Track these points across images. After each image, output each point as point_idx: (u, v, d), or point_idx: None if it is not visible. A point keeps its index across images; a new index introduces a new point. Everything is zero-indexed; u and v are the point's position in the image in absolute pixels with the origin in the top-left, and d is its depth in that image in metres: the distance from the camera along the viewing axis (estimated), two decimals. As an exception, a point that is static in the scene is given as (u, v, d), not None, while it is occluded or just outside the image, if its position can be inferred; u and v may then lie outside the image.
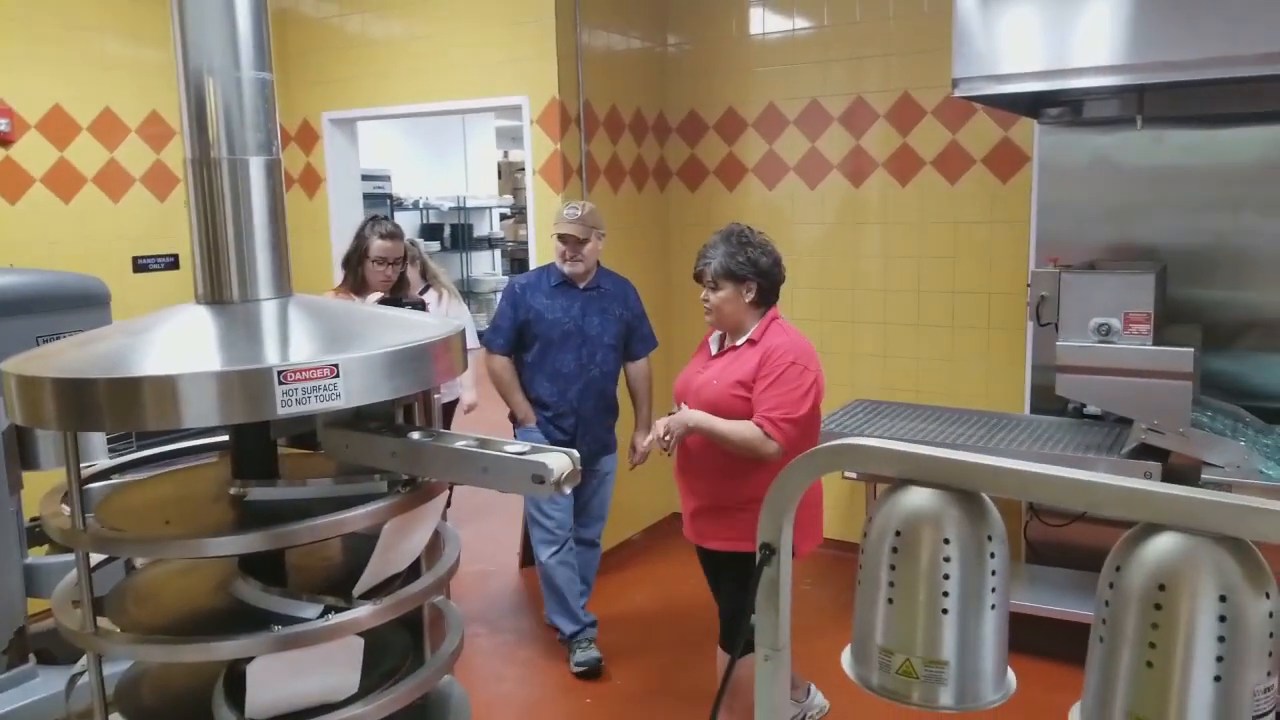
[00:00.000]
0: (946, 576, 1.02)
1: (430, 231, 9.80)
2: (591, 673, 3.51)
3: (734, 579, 2.66)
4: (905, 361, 4.45)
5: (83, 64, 4.32)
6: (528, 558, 4.66)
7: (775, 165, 4.71)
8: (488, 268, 10.92)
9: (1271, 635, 0.88)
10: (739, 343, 2.69)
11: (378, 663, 1.48)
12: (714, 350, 2.78)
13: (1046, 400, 3.79)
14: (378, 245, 3.66)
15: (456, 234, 9.94)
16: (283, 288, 1.46)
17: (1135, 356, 3.00)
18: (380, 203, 8.45)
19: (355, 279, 3.68)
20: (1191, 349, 2.98)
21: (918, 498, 1.05)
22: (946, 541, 1.01)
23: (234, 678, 1.46)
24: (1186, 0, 2.66)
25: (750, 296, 2.66)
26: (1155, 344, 3.03)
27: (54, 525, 1.32)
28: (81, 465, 2.47)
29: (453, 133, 9.85)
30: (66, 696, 1.48)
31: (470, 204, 10.00)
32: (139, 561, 1.62)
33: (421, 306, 3.66)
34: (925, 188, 4.34)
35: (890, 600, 1.06)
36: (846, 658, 1.16)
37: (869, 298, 4.52)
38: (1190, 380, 2.96)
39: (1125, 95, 3.30)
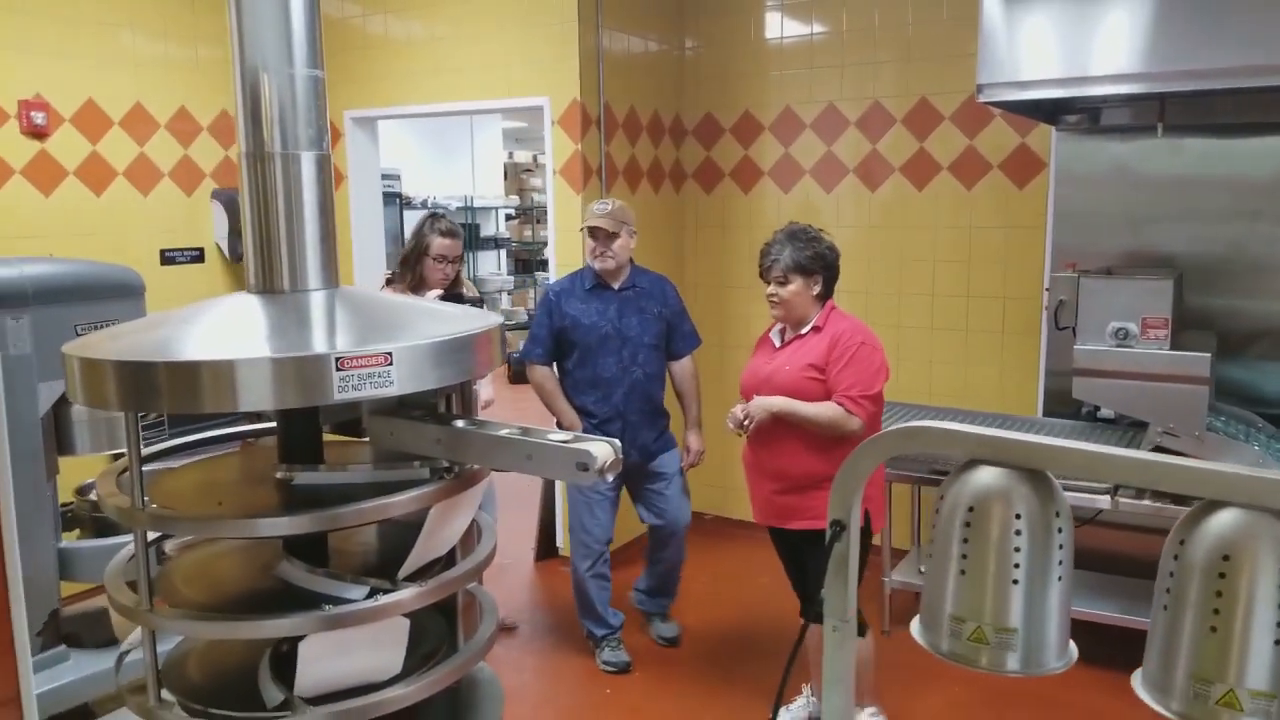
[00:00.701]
0: (1017, 549, 1.09)
1: (437, 232, 9.87)
2: (619, 672, 3.54)
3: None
4: (919, 365, 4.48)
5: (115, 60, 4.40)
6: (543, 551, 4.71)
7: (791, 168, 4.75)
8: (493, 268, 10.95)
9: None
10: (804, 331, 2.87)
11: (416, 646, 1.52)
12: (778, 343, 2.94)
13: (1060, 404, 3.82)
14: (438, 243, 3.67)
15: (464, 234, 10.00)
16: (331, 279, 1.51)
17: (1153, 361, 3.03)
18: (390, 201, 8.50)
19: (414, 276, 3.69)
20: (1209, 354, 3.02)
21: (989, 476, 1.12)
22: (1018, 517, 1.09)
23: (279, 657, 1.51)
24: (1209, 9, 2.70)
25: (817, 289, 2.86)
26: (1172, 349, 3.06)
27: (112, 504, 1.37)
28: (111, 451, 2.51)
29: (460, 133, 9.90)
30: (116, 672, 1.53)
31: (478, 204, 10.04)
32: (168, 546, 1.66)
33: (479, 305, 3.68)
34: (941, 193, 4.38)
35: (963, 572, 1.13)
36: (916, 626, 1.23)
37: (884, 301, 4.55)
38: (1207, 385, 3.00)
39: (1145, 103, 3.34)
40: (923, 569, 3.52)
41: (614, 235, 3.41)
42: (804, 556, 2.89)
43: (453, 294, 3.69)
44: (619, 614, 3.68)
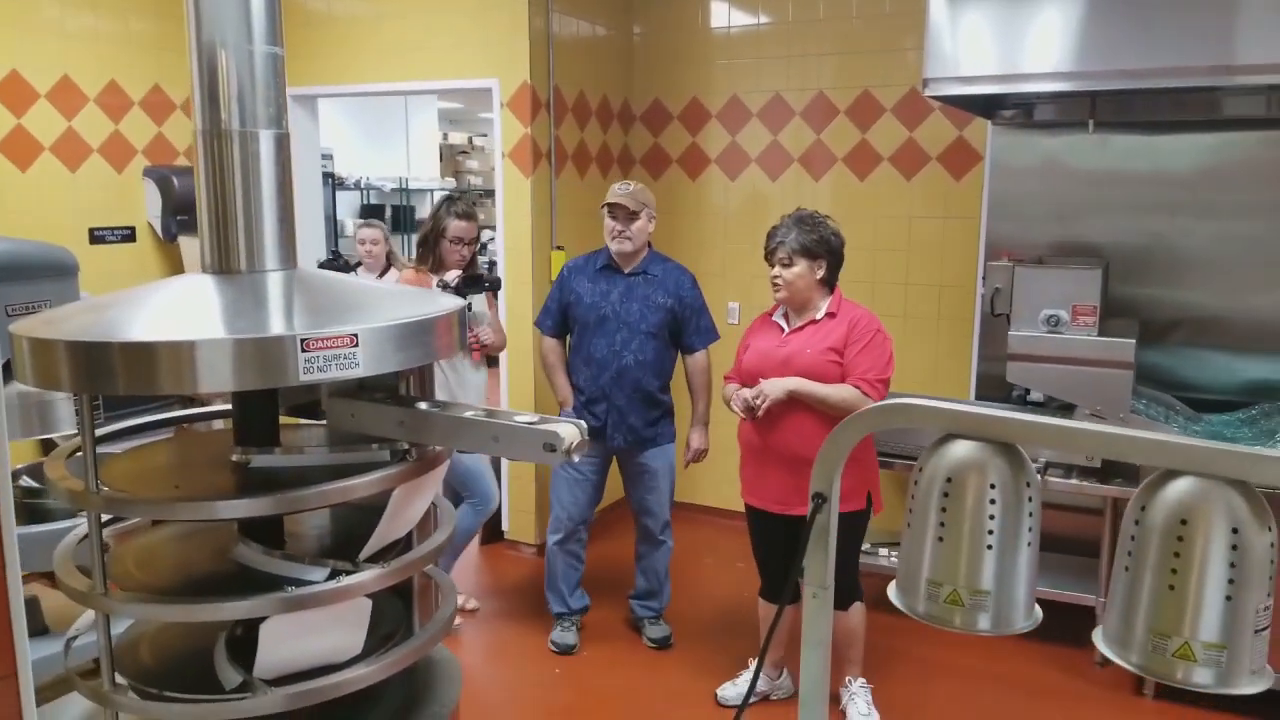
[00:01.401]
0: (991, 517, 1.18)
1: (371, 213, 9.63)
2: (561, 651, 3.59)
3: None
4: None
5: (40, 30, 4.21)
6: (488, 534, 4.71)
7: (738, 156, 4.81)
8: (428, 250, 10.77)
9: (1272, 563, 1.05)
10: (818, 316, 2.93)
11: (374, 628, 1.53)
12: (786, 327, 2.98)
13: (991, 387, 3.97)
14: (454, 225, 3.67)
15: (398, 216, 9.80)
16: (289, 259, 1.49)
17: (1082, 346, 3.18)
18: (324, 182, 8.29)
19: (434, 258, 3.69)
20: (1133, 340, 3.17)
21: (965, 449, 1.20)
22: (992, 486, 1.17)
23: (234, 640, 1.50)
24: (1138, 12, 2.83)
25: (820, 274, 2.91)
26: (1099, 336, 3.21)
27: (64, 488, 1.34)
28: (43, 435, 2.44)
29: (395, 114, 9.69)
30: (65, 657, 1.50)
31: (412, 186, 9.87)
32: (109, 533, 1.62)
33: (497, 286, 3.68)
34: (882, 183, 4.48)
35: (940, 539, 1.21)
36: (893, 590, 1.31)
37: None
38: (1131, 370, 3.16)
39: (1077, 100, 3.47)
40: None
41: (634, 216, 3.36)
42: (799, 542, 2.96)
43: (471, 275, 3.68)
44: (584, 598, 3.69)
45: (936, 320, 4.42)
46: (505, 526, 4.70)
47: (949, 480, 1.20)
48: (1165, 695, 3.26)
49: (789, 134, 4.66)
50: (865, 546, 3.98)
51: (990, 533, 1.17)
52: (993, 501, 1.17)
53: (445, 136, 11.01)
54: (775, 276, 2.92)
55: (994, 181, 4.09)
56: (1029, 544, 1.20)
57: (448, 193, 3.99)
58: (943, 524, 1.19)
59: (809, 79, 4.58)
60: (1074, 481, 3.33)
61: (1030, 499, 1.19)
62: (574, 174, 4.64)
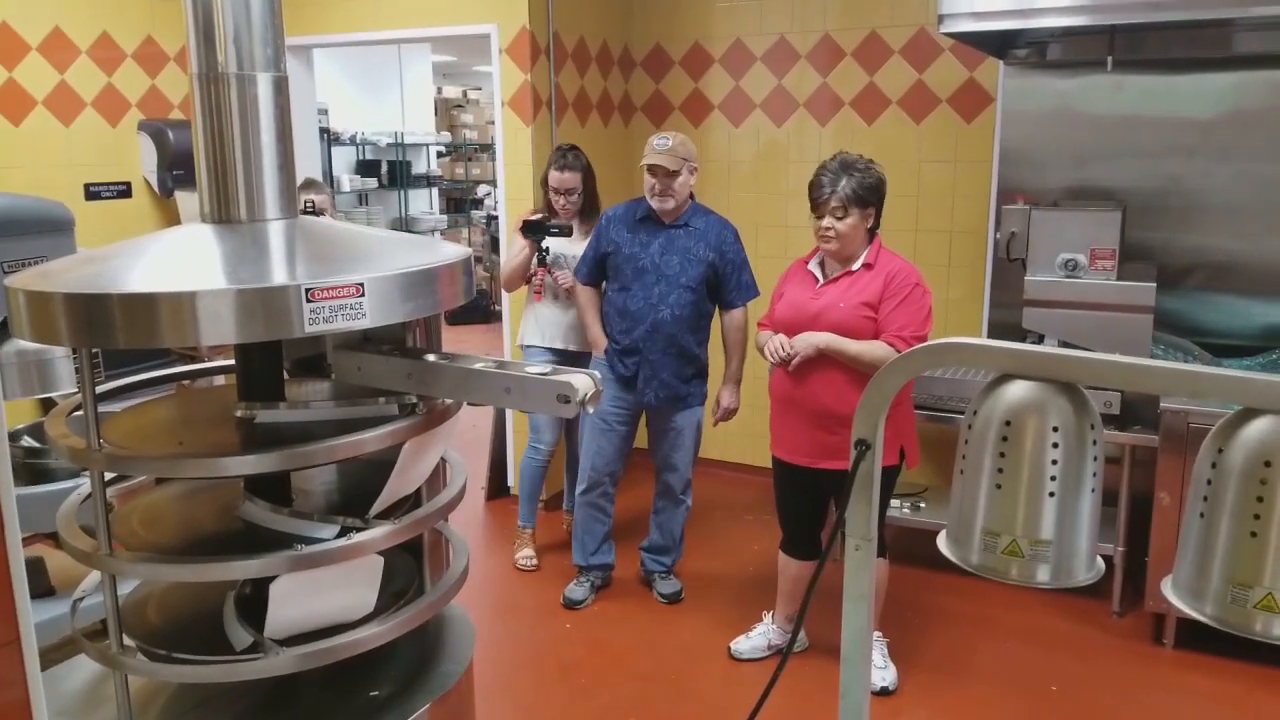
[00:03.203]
0: (1054, 462, 1.10)
1: (367, 168, 9.51)
2: (570, 605, 3.60)
3: None
4: None
5: (28, -21, 4.10)
6: (494, 490, 4.71)
7: (742, 102, 4.70)
8: (425, 206, 10.64)
9: None
10: (855, 267, 2.79)
11: (386, 585, 1.51)
12: (820, 277, 2.85)
13: (1004, 334, 3.92)
14: (552, 176, 3.71)
15: (394, 171, 9.66)
16: (290, 209, 1.44)
17: (1101, 291, 3.13)
18: (320, 137, 8.16)
19: (550, 210, 3.79)
20: (1153, 284, 3.11)
21: (1024, 390, 1.12)
22: (1055, 429, 1.10)
23: (243, 599, 1.48)
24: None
25: (870, 222, 2.78)
26: (1118, 280, 3.15)
27: (65, 445, 1.31)
28: (42, 394, 2.41)
29: (389, 67, 9.51)
30: (71, 618, 1.48)
31: (408, 140, 9.71)
32: (112, 493, 1.60)
33: (568, 232, 3.68)
34: (890, 127, 4.38)
35: (998, 486, 1.14)
36: (943, 540, 1.24)
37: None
38: (1151, 314, 3.11)
39: (1094, 37, 3.37)
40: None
41: (674, 174, 3.25)
42: (826, 495, 2.93)
43: (530, 222, 3.70)
44: (607, 555, 3.65)
45: (947, 267, 4.35)
46: (510, 481, 4.69)
47: (1007, 423, 1.12)
48: (1184, 644, 3.25)
49: (794, 78, 4.55)
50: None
51: (1053, 479, 1.11)
52: (1055, 445, 1.10)
53: (440, 90, 10.83)
54: (827, 229, 2.74)
55: (1006, 124, 4.00)
56: (1092, 490, 1.14)
57: (560, 145, 3.96)
58: (1000, 470, 1.13)
59: (814, 21, 4.46)
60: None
61: (1094, 443, 1.12)
62: (574, 122, 4.54)
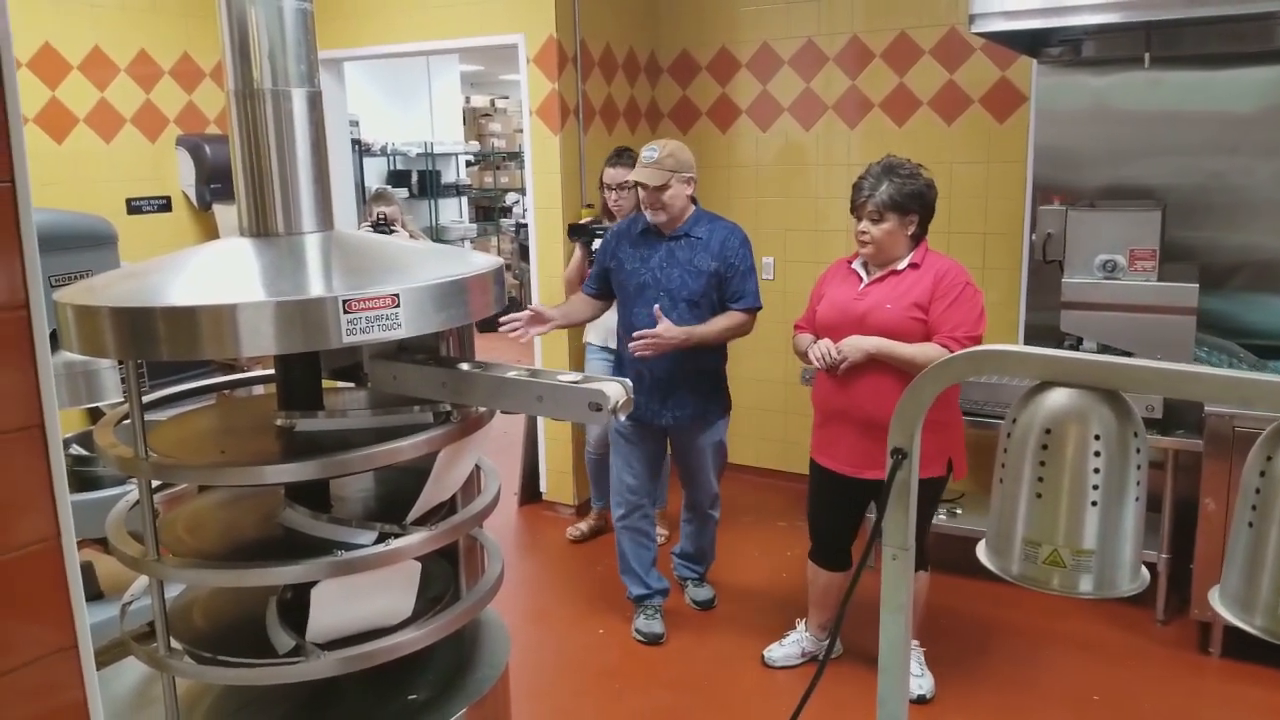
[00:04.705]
0: (1096, 470, 1.09)
1: (398, 178, 9.64)
2: (649, 641, 3.39)
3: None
4: None
5: (70, 1, 4.21)
6: (527, 495, 4.73)
7: (769, 106, 4.69)
8: (455, 215, 10.74)
9: None
10: (900, 267, 2.70)
11: (422, 590, 1.53)
12: (865, 277, 2.77)
13: (1040, 338, 3.87)
14: (606, 173, 3.82)
15: (424, 180, 9.78)
16: (325, 221, 1.47)
17: (1141, 293, 3.07)
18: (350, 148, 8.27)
19: (606, 211, 3.93)
20: (1196, 285, 3.05)
21: (1065, 397, 1.11)
22: (1096, 438, 1.08)
23: (285, 604, 1.50)
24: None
25: (911, 230, 2.69)
26: (1158, 281, 3.09)
27: (114, 455, 1.34)
28: (89, 404, 2.46)
29: (418, 77, 9.62)
30: (121, 621, 1.52)
31: (437, 150, 9.83)
32: (157, 499, 1.63)
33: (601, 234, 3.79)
34: (921, 128, 4.35)
35: (1038, 495, 1.13)
36: (983, 550, 1.23)
37: (865, 240, 4.55)
38: (1194, 315, 3.04)
39: (1129, 34, 3.32)
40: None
41: (662, 188, 3.10)
42: (864, 506, 2.89)
43: (575, 224, 3.91)
44: (662, 579, 3.50)
45: (981, 270, 4.30)
46: (544, 487, 4.72)
47: (1047, 431, 1.11)
48: (1232, 653, 3.17)
49: (822, 81, 4.54)
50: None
51: (1095, 488, 1.09)
52: (1097, 454, 1.09)
53: (468, 100, 10.93)
54: (863, 232, 2.68)
55: (1040, 123, 3.95)
56: (1136, 499, 1.11)
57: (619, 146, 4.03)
58: (1040, 479, 1.11)
59: (842, 22, 4.44)
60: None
61: (1138, 450, 1.10)
62: (602, 129, 4.56)
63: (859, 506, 2.93)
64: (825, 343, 2.69)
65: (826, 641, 3.11)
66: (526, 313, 3.11)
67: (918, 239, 2.74)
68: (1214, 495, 3.08)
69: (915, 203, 2.67)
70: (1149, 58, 3.15)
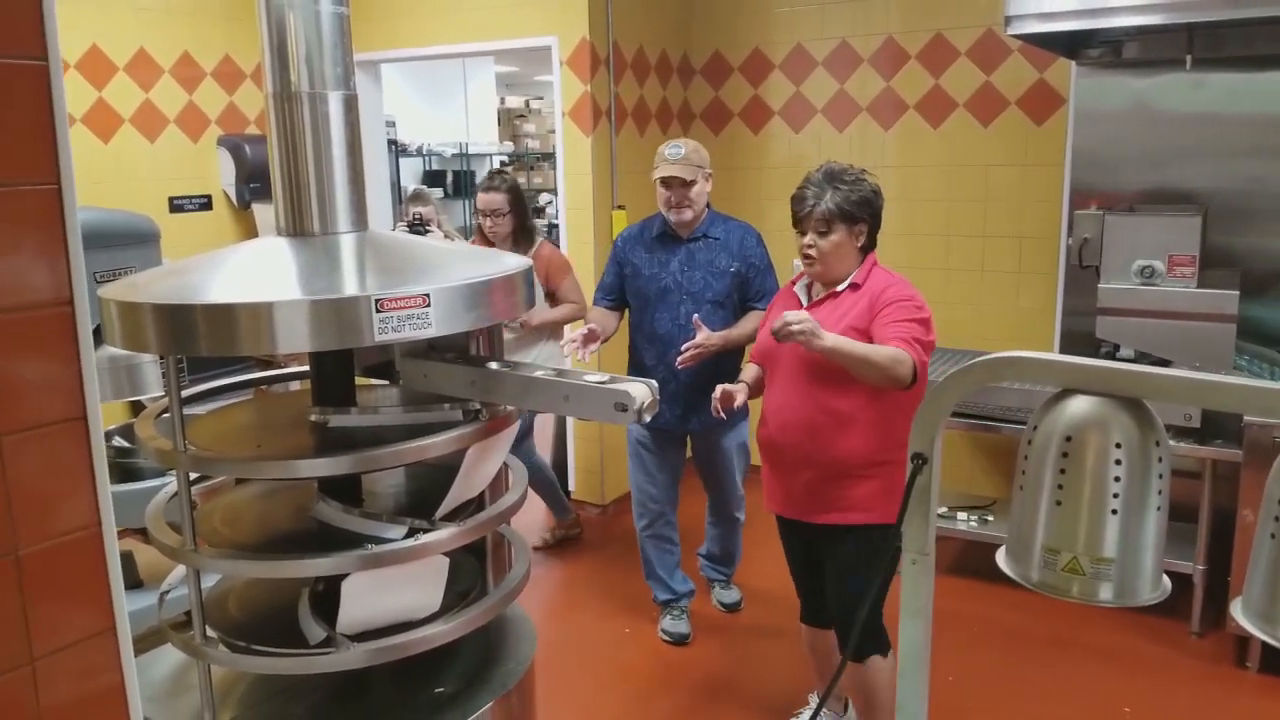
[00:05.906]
0: (1117, 479, 1.09)
1: (433, 179, 9.75)
2: (675, 641, 3.41)
3: (852, 557, 2.41)
4: (933, 306, 4.37)
5: (117, 4, 4.33)
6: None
7: (802, 108, 4.68)
8: (488, 215, 10.84)
9: None
10: (840, 289, 2.45)
11: (450, 585, 1.55)
12: (805, 300, 2.52)
13: (1076, 344, 3.81)
14: (480, 198, 3.79)
15: (459, 181, 9.88)
16: (360, 221, 1.50)
17: (1180, 299, 3.01)
18: (387, 149, 8.37)
19: (478, 227, 3.94)
20: (1236, 292, 2.98)
21: (1086, 405, 1.11)
22: (1118, 446, 1.08)
23: (317, 595, 1.54)
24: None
25: (860, 240, 2.44)
26: (1198, 287, 3.04)
27: (153, 447, 1.38)
28: (131, 398, 2.52)
29: (453, 78, 9.71)
30: (159, 609, 1.56)
31: (472, 151, 9.92)
32: (195, 492, 1.66)
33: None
34: (957, 130, 4.31)
35: (1058, 502, 1.12)
36: (1002, 556, 1.22)
37: (897, 242, 4.50)
38: (1234, 323, 2.98)
39: (1170, 35, 3.26)
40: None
41: (690, 183, 3.08)
42: (820, 555, 2.53)
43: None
44: (687, 581, 3.50)
45: (1017, 274, 4.26)
46: (571, 486, 4.74)
47: (1068, 439, 1.10)
48: (1270, 668, 3.11)
49: (856, 82, 4.51)
50: (942, 510, 3.87)
51: (1115, 496, 1.08)
52: (1118, 462, 1.08)
53: (502, 100, 11.01)
54: (809, 247, 2.40)
55: (1079, 126, 3.89)
56: (1158, 508, 1.11)
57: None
58: (1060, 486, 1.11)
59: (877, 23, 4.41)
60: (1170, 443, 3.17)
61: (1160, 459, 1.10)
62: (634, 131, 4.58)
63: (816, 555, 2.58)
64: (789, 313, 2.27)
65: (846, 715, 2.87)
66: (581, 332, 3.06)
67: (866, 251, 2.48)
68: (1253, 506, 3.01)
69: (864, 210, 2.41)
70: (1191, 59, 3.10)
